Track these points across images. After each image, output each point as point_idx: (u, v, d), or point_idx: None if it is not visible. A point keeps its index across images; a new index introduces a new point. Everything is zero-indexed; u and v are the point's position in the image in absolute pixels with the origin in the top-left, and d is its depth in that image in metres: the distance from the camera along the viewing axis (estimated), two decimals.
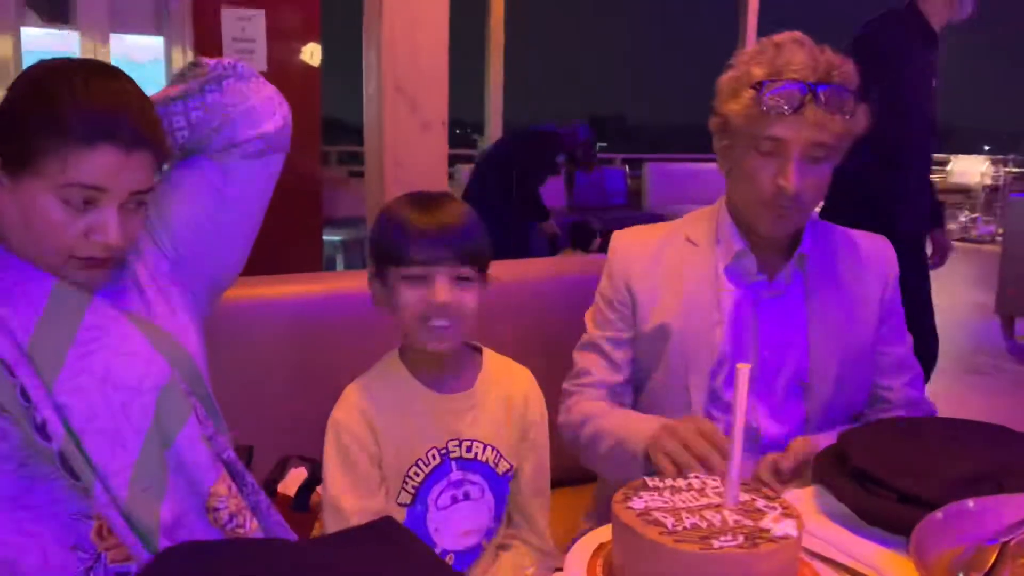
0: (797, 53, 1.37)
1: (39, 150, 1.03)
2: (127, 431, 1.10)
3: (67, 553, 1.08)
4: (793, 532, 0.88)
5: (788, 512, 0.92)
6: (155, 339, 1.16)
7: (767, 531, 0.88)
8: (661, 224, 1.63)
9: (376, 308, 1.33)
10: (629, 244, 1.58)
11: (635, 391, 1.56)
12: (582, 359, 1.56)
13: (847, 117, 1.36)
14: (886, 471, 1.15)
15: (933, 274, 3.06)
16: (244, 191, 1.28)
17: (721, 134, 1.47)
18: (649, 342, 1.51)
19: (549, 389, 1.46)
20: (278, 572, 0.79)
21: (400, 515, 1.28)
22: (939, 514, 0.95)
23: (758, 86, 1.35)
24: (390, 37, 1.83)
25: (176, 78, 1.29)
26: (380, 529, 0.86)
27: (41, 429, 1.05)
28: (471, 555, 1.34)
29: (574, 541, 1.07)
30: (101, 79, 1.08)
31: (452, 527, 1.31)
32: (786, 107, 1.33)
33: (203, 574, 0.78)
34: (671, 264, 1.52)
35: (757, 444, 1.46)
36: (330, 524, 1.26)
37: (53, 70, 1.08)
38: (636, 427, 1.33)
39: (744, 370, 0.91)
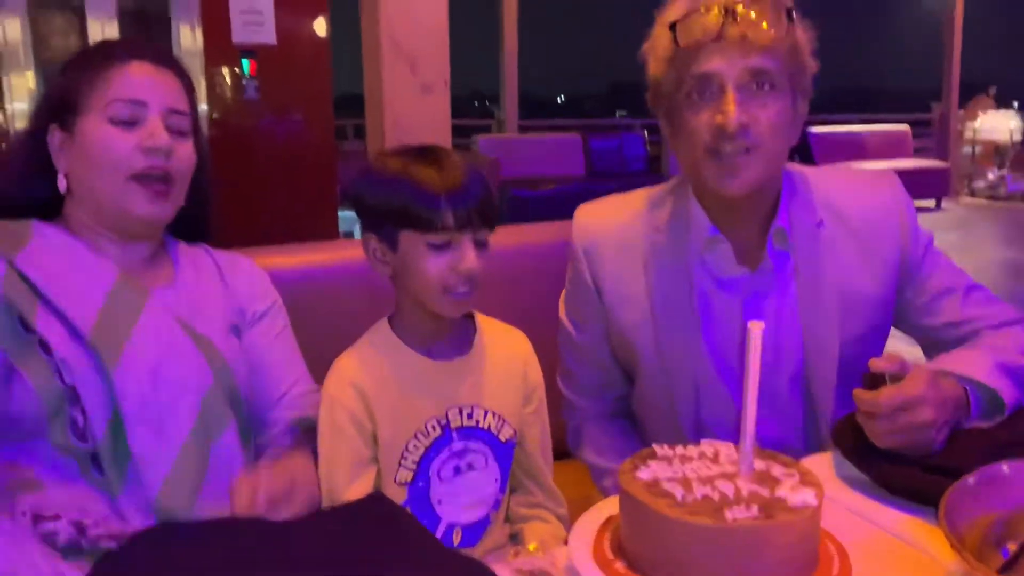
0: None
1: (88, 84, 1.19)
2: (171, 427, 1.17)
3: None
4: (812, 501, 0.82)
5: (807, 480, 0.86)
6: (201, 344, 1.23)
7: (784, 501, 0.82)
8: (629, 198, 1.41)
9: (374, 273, 1.26)
10: (591, 226, 1.39)
11: (631, 380, 1.44)
12: (567, 358, 1.47)
13: (778, 30, 1.17)
14: None
15: (962, 232, 2.96)
16: None
17: (657, 106, 1.29)
18: (623, 345, 1.37)
19: (540, 353, 1.39)
20: (260, 553, 0.75)
21: (400, 495, 1.23)
22: (971, 479, 0.89)
23: (672, 26, 1.20)
24: None
25: None
26: (368, 505, 0.81)
27: (80, 431, 1.12)
28: (479, 528, 1.29)
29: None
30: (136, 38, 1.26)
31: (457, 499, 1.27)
32: (703, 35, 1.17)
33: (180, 554, 0.74)
34: (636, 258, 1.34)
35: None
36: (327, 503, 1.21)
37: (105, 41, 1.32)
38: None
39: (756, 329, 0.85)
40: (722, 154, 1.19)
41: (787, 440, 1.35)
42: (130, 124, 1.19)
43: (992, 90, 12.04)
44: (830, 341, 1.30)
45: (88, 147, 1.19)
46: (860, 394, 1.08)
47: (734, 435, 1.33)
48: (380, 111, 1.80)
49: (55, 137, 1.21)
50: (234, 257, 1.40)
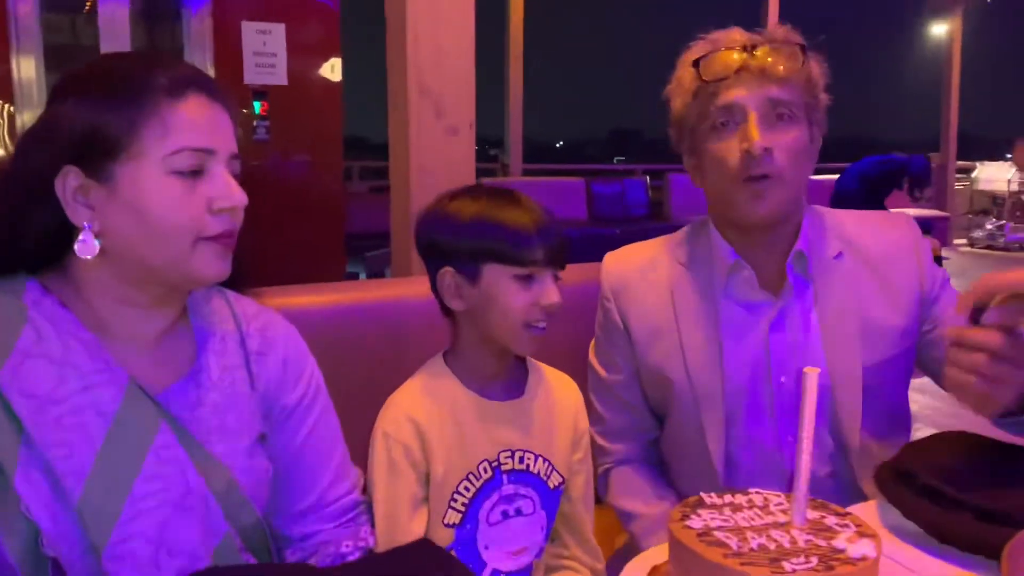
0: (734, 31, 1.32)
1: (131, 123, 0.94)
2: None
3: None
4: (872, 553, 0.80)
5: (863, 531, 0.84)
6: (213, 479, 1.02)
7: (843, 552, 0.80)
8: (652, 242, 1.49)
9: (405, 316, 1.25)
10: (618, 268, 1.45)
11: (661, 422, 1.45)
12: (598, 402, 1.48)
13: (794, 64, 1.27)
14: (958, 487, 1.06)
15: (964, 281, 2.95)
16: None
17: (680, 141, 1.38)
18: (652, 381, 1.40)
19: None
20: None
21: (447, 537, 1.20)
22: None
23: (695, 63, 1.30)
24: (414, 37, 1.77)
25: None
26: (416, 552, 0.79)
27: None
28: (522, 575, 1.26)
29: (612, 559, 0.99)
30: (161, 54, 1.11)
31: (503, 544, 1.23)
32: (725, 70, 1.27)
33: None
34: (663, 291, 1.39)
35: (786, 484, 1.31)
36: (387, 543, 1.17)
37: (117, 55, 1.05)
38: None
39: (812, 375, 0.84)
40: (750, 182, 1.26)
41: (814, 468, 1.32)
42: (194, 174, 0.97)
43: None
44: (853, 368, 1.32)
45: (143, 204, 0.95)
46: (963, 330, 1.00)
47: (764, 470, 1.33)
48: (405, 153, 1.80)
49: (69, 181, 0.96)
50: (268, 327, 1.16)
